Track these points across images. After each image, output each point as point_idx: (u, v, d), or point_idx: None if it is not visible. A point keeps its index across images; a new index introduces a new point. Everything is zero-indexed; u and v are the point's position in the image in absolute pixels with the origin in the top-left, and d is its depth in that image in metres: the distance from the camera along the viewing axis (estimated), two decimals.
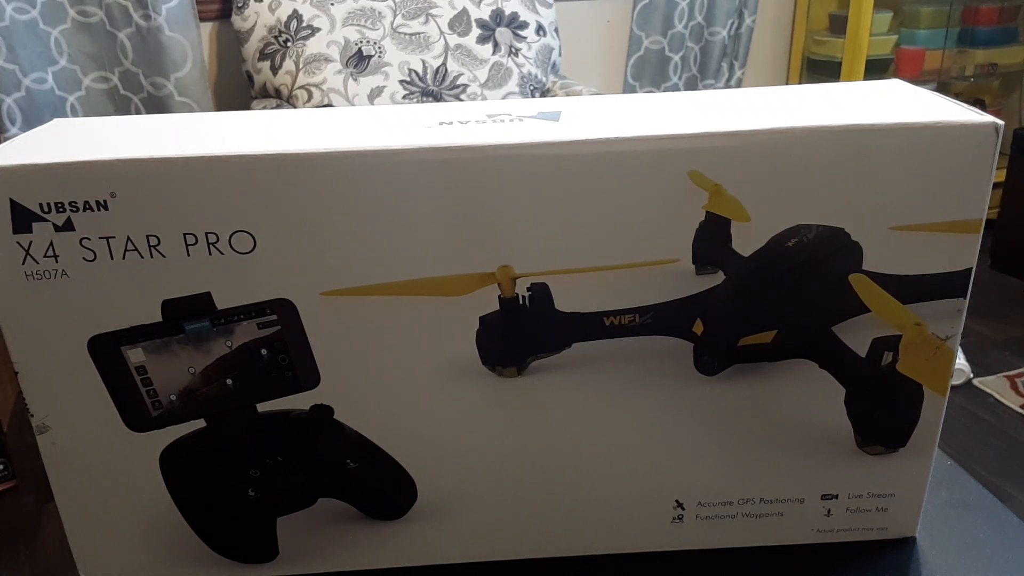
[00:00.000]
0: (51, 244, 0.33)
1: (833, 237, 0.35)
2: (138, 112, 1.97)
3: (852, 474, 0.40)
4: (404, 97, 1.84)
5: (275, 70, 1.82)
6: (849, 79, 2.14)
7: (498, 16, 1.93)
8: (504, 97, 1.93)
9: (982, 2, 2.44)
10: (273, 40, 1.82)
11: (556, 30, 2.04)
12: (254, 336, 0.35)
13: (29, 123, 1.87)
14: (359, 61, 1.82)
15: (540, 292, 0.35)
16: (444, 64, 1.88)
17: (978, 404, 1.74)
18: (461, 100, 1.89)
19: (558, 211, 0.34)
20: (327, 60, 1.80)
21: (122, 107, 1.97)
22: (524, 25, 1.96)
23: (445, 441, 0.38)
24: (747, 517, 0.41)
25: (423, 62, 1.86)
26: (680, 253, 0.35)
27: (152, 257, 0.34)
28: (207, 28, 2.02)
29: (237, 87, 2.08)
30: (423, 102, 1.50)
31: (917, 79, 2.41)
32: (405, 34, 1.86)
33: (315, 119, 0.37)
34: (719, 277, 0.36)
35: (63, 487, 0.37)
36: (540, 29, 1.98)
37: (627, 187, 0.34)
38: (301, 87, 1.80)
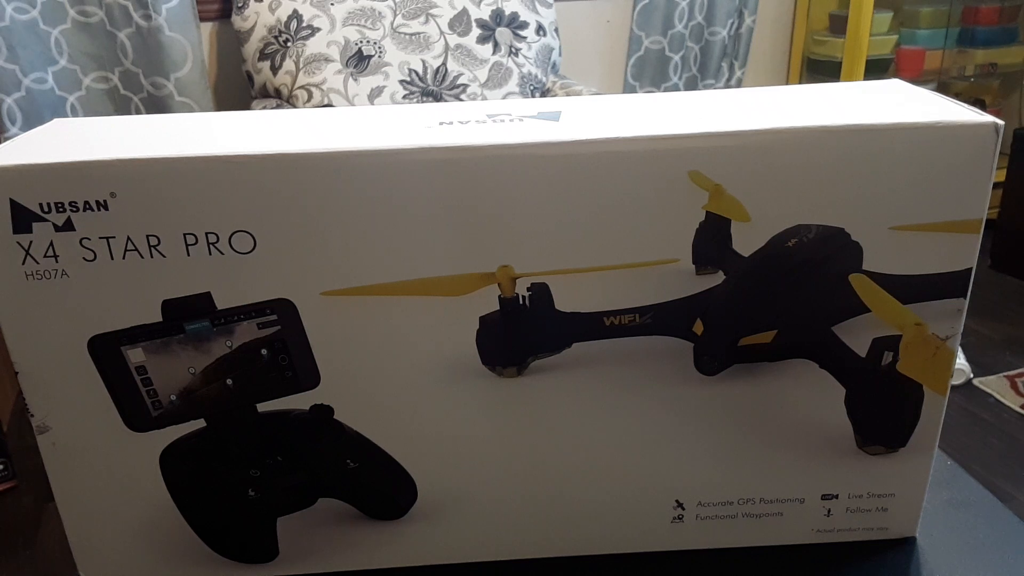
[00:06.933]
0: (51, 244, 0.33)
1: (833, 237, 0.35)
2: (138, 112, 1.97)
3: (852, 474, 0.40)
4: (404, 97, 1.84)
5: (275, 70, 1.82)
6: (849, 79, 2.14)
7: (498, 16, 1.93)
8: (504, 97, 1.93)
9: (982, 2, 2.44)
10: (273, 40, 1.82)
11: (556, 30, 2.04)
12: (254, 336, 0.35)
13: (29, 123, 1.87)
14: (359, 61, 1.82)
15: (540, 292, 0.35)
16: (444, 64, 1.88)
17: (978, 404, 1.74)
18: (461, 100, 1.89)
19: (558, 211, 0.34)
20: (327, 60, 1.80)
21: (122, 107, 1.97)
22: (524, 25, 1.96)
23: (445, 441, 0.38)
24: (747, 517, 0.41)
25: (423, 62, 1.86)
26: (680, 253, 0.35)
27: (152, 257, 0.34)
28: (207, 28, 2.02)
29: (237, 87, 2.08)
30: (423, 102, 1.50)
31: (917, 79, 2.40)
32: (405, 34, 1.86)
33: (315, 119, 0.37)
34: (719, 277, 0.36)
35: (63, 487, 0.37)
36: (540, 29, 1.98)
37: (627, 187, 0.34)
38: (301, 87, 1.80)
